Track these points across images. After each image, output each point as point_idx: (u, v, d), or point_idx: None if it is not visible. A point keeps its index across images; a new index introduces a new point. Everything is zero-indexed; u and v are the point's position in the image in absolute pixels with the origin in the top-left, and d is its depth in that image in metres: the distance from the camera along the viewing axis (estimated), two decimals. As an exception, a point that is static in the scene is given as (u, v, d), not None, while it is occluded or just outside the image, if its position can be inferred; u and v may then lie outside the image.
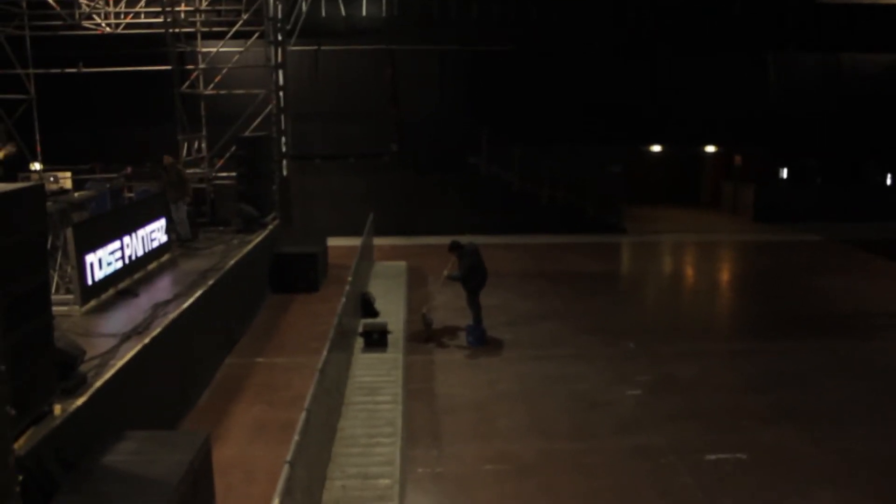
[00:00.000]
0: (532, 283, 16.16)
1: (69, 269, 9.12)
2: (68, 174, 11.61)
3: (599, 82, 23.50)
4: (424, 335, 12.03)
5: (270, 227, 15.37)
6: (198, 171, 16.51)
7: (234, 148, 15.75)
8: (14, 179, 10.83)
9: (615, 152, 22.84)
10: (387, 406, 8.92)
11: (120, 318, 8.99)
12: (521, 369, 10.79)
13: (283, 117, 17.07)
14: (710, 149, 26.37)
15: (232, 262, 11.92)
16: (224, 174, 16.76)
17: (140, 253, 10.82)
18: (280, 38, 16.86)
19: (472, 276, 11.94)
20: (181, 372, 9.09)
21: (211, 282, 10.58)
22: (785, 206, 24.40)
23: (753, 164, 25.42)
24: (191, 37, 17.21)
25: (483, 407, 9.47)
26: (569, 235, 21.80)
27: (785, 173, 25.15)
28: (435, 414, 9.24)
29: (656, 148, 26.19)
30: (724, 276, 17.84)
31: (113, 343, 8.04)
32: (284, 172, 17.13)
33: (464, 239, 12.40)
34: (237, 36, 17.43)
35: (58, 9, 16.75)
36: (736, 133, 24.58)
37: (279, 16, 16.97)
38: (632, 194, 25.18)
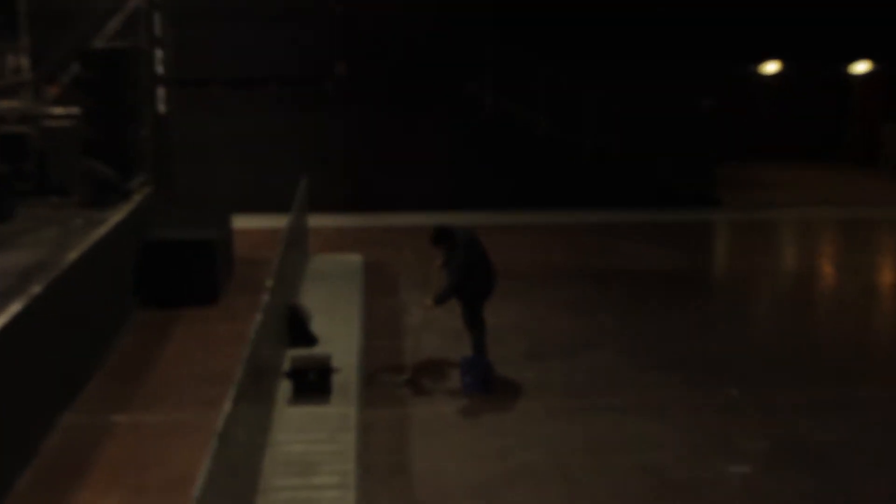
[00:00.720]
0: (568, 287, 16.11)
1: None
2: None
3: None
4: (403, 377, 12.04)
5: (138, 198, 15.23)
6: (15, 105, 16.31)
7: (76, 68, 15.52)
8: None
9: (704, 75, 22.77)
10: (331, 494, 8.80)
11: None
12: (551, 430, 10.71)
13: (158, 18, 16.89)
14: (862, 67, 26.35)
15: (73, 256, 11.78)
16: (61, 112, 16.55)
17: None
18: None
19: (470, 279, 11.84)
20: (-13, 438, 8.92)
21: (37, 290, 10.41)
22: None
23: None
24: None
25: (490, 494, 9.36)
26: (627, 211, 21.77)
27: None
28: (410, 506, 9.13)
29: (772, 67, 26.19)
30: (885, 276, 17.79)
31: None
32: (161, 108, 16.98)
33: (453, 222, 12.30)
34: None
35: None
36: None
37: None
38: (731, 144, 25.17)
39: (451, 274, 11.87)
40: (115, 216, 14.05)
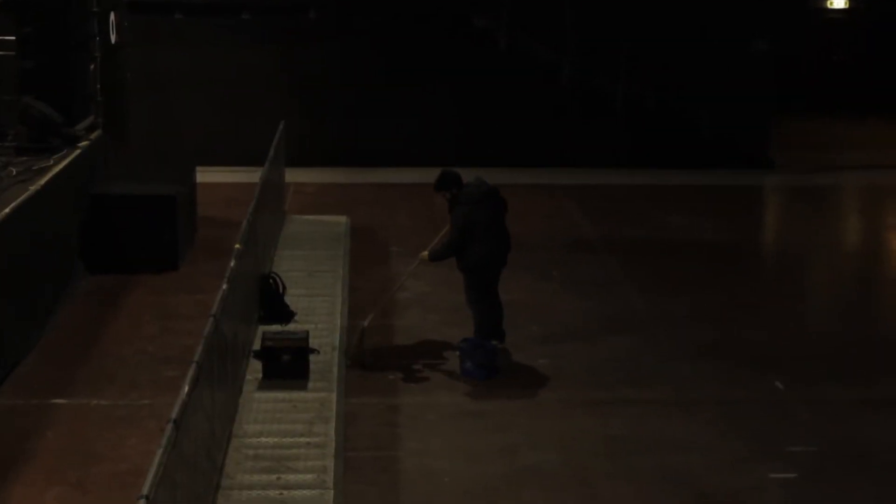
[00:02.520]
0: (589, 260, 16.19)
1: None
2: None
3: None
4: (357, 358, 12.12)
5: (85, 143, 15.26)
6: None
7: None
8: None
9: (757, 11, 22.67)
10: (305, 493, 8.88)
11: None
12: (565, 427, 10.78)
13: (111, -70, 16.86)
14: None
15: (5, 211, 11.85)
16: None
17: None
18: None
19: (474, 243, 11.96)
20: None
21: (-35, 248, 10.48)
22: None
23: None
24: None
25: (491, 499, 9.43)
26: (663, 172, 21.76)
27: None
28: (398, 510, 9.24)
29: (840, 1, 26.09)
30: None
31: None
32: (113, 38, 16.96)
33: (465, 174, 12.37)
34: None
35: None
36: None
37: None
38: (790, 94, 25.11)
39: (451, 229, 12.00)
40: (58, 165, 14.04)
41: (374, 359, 12.05)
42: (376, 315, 12.47)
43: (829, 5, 26.37)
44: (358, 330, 12.22)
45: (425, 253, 12.16)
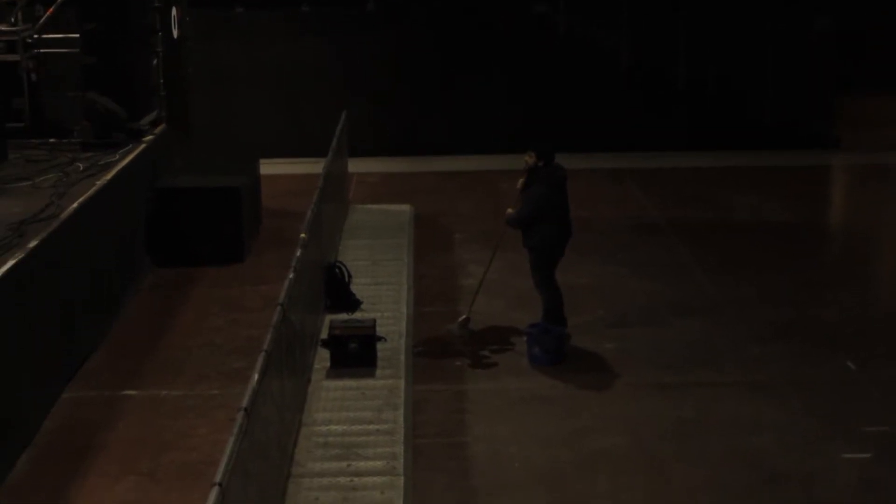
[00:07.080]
0: (656, 243, 16.11)
1: None
2: None
3: None
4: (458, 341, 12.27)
5: (150, 138, 15.37)
6: (2, 29, 16.36)
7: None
8: None
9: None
10: (375, 480, 8.92)
11: None
12: (634, 411, 10.78)
13: (170, -75, 16.93)
14: None
15: (73, 206, 11.94)
16: (56, 35, 16.66)
17: None
18: None
19: (543, 224, 11.98)
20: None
21: (32, 244, 10.56)
22: None
23: None
24: None
25: (560, 483, 9.43)
26: (727, 153, 21.60)
27: None
28: (469, 497, 9.21)
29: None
30: None
31: None
32: (175, 33, 17.06)
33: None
34: None
35: None
36: None
37: None
38: (855, 72, 24.83)
39: (525, 203, 12.01)
40: (123, 160, 14.17)
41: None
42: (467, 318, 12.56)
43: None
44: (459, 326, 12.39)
45: (509, 210, 12.20)
